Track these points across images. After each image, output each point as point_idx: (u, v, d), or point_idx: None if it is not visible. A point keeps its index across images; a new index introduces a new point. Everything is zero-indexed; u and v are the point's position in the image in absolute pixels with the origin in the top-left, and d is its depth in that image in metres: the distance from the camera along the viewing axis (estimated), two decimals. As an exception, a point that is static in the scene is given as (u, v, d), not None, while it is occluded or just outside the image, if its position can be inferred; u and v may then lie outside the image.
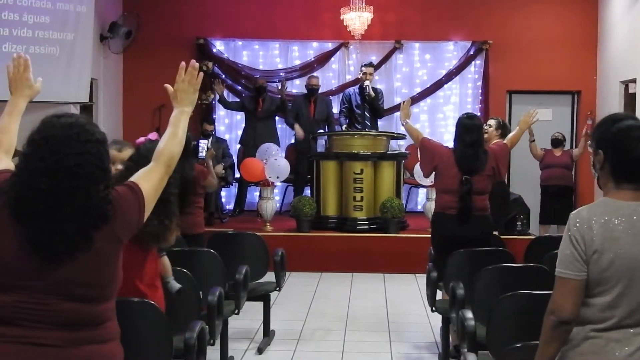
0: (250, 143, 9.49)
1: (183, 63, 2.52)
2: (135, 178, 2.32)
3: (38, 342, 2.07)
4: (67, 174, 2.07)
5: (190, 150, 5.23)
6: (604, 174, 2.41)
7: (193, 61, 2.53)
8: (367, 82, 9.05)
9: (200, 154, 7.96)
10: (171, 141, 2.44)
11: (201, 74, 2.54)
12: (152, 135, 4.22)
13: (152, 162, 2.40)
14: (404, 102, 5.84)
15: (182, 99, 2.50)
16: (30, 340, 2.07)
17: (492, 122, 5.98)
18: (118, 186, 2.24)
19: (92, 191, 2.09)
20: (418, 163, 8.43)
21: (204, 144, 8.91)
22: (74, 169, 2.07)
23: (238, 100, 10.08)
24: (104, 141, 2.19)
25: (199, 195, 5.43)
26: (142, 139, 3.96)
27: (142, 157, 3.62)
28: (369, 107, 9.13)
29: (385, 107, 10.08)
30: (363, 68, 9.20)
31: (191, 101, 2.52)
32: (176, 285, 3.93)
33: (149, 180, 2.32)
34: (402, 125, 5.74)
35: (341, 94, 9.72)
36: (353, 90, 9.33)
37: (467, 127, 5.13)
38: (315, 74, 10.10)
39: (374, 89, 9.15)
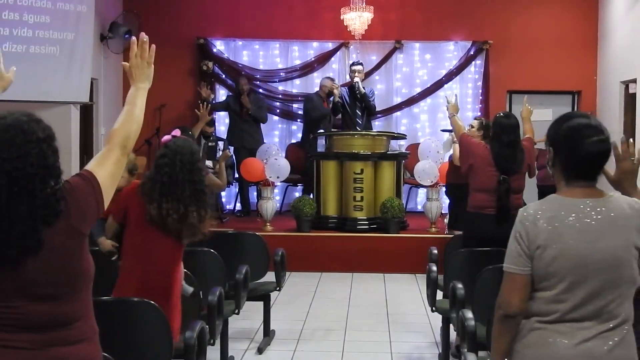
0: (237, 143, 9.50)
1: (134, 38, 2.43)
2: (89, 166, 2.25)
3: (7, 345, 2.04)
4: (6, 179, 2.00)
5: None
6: (556, 171, 2.47)
7: (142, 34, 2.44)
8: (356, 79, 9.04)
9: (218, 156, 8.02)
10: (127, 120, 2.36)
11: (153, 46, 2.45)
12: (176, 132, 4.23)
13: (106, 144, 2.32)
14: (452, 97, 5.93)
15: (137, 75, 2.43)
16: (0, 344, 2.04)
17: (474, 122, 5.97)
18: (71, 177, 2.17)
19: (37, 191, 2.02)
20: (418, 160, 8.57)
21: (221, 144, 8.95)
22: (13, 174, 2.00)
23: (222, 101, 10.03)
24: (47, 138, 2.09)
25: None
26: (167, 137, 3.98)
27: (174, 153, 3.70)
28: (360, 105, 9.12)
29: (385, 107, 10.10)
30: (352, 67, 9.23)
31: (147, 76, 2.45)
32: (189, 289, 3.94)
33: (104, 166, 2.25)
34: (449, 117, 5.71)
35: None
36: (345, 89, 9.33)
37: (504, 126, 5.08)
38: (328, 75, 9.98)
39: (364, 88, 9.12)
